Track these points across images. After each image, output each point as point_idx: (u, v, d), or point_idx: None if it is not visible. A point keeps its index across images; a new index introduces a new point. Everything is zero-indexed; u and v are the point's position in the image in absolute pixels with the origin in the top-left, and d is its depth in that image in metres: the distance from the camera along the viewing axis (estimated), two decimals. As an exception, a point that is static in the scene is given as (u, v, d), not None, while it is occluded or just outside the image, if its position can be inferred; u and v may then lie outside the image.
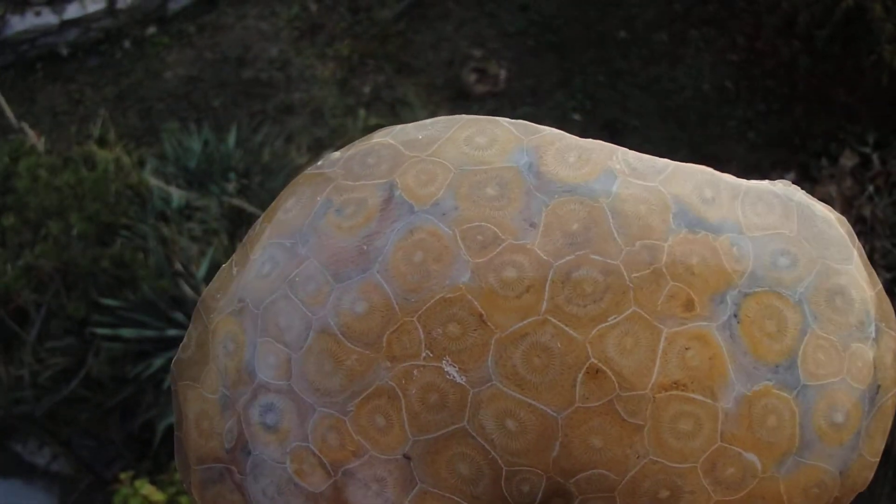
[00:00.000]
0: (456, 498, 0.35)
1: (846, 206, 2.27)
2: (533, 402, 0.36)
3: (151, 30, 3.01)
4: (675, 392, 0.36)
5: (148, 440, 2.04)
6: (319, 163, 0.42)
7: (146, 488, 1.73)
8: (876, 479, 1.76)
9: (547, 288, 0.37)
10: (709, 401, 0.36)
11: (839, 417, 0.38)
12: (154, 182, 2.19)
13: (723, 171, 0.41)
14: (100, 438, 2.17)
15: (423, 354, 0.36)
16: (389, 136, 0.42)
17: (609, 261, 0.38)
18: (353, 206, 0.40)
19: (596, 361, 0.36)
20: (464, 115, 0.42)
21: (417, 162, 0.40)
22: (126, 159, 2.24)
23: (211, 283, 0.41)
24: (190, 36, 3.01)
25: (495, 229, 0.38)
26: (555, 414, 0.36)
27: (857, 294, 0.40)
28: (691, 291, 0.38)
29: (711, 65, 2.79)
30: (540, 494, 0.35)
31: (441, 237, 0.38)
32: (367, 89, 2.80)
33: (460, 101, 2.69)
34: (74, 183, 2.17)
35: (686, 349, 0.37)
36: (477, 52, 2.85)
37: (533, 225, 0.38)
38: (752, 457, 0.37)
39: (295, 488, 0.37)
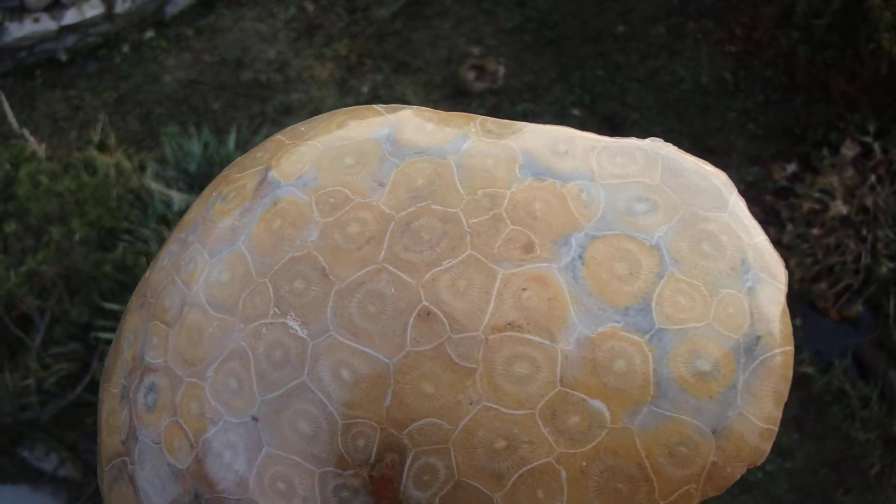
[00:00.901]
0: (297, 459, 0.34)
1: (848, 196, 2.27)
2: (366, 350, 0.35)
3: (149, 34, 3.01)
4: (509, 333, 0.34)
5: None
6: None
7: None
8: (882, 469, 1.75)
9: (387, 238, 0.37)
10: (547, 342, 0.34)
11: (705, 366, 0.35)
12: (155, 186, 2.19)
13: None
14: (106, 443, 2.17)
15: (272, 312, 0.37)
16: (279, 133, 0.44)
17: (449, 209, 0.38)
18: (235, 192, 0.41)
19: (427, 304, 0.35)
20: (347, 108, 0.44)
21: (293, 147, 0.41)
22: (126, 164, 2.24)
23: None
24: (188, 39, 3.01)
25: (347, 191, 0.39)
26: (387, 360, 0.35)
27: (729, 241, 0.38)
28: (532, 235, 0.36)
29: (710, 57, 2.78)
30: (375, 449, 0.34)
31: (298, 204, 0.39)
32: (365, 89, 2.80)
33: (459, 98, 2.69)
34: (75, 188, 2.18)
35: (523, 290, 0.35)
36: (475, 50, 2.85)
37: (382, 184, 0.39)
38: (598, 404, 0.34)
39: (168, 468, 0.37)
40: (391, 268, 0.36)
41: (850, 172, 2.30)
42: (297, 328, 0.36)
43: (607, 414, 0.34)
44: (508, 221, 0.37)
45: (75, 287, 2.16)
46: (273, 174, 0.40)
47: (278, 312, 0.36)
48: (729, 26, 2.84)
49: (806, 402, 2.13)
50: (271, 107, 2.79)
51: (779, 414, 0.36)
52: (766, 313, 0.36)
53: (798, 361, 2.18)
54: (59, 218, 2.18)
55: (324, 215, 0.38)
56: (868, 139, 2.36)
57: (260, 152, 0.42)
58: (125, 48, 2.99)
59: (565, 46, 2.85)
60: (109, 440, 0.39)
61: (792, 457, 2.08)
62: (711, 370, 0.35)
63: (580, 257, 0.36)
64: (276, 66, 2.90)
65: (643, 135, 0.46)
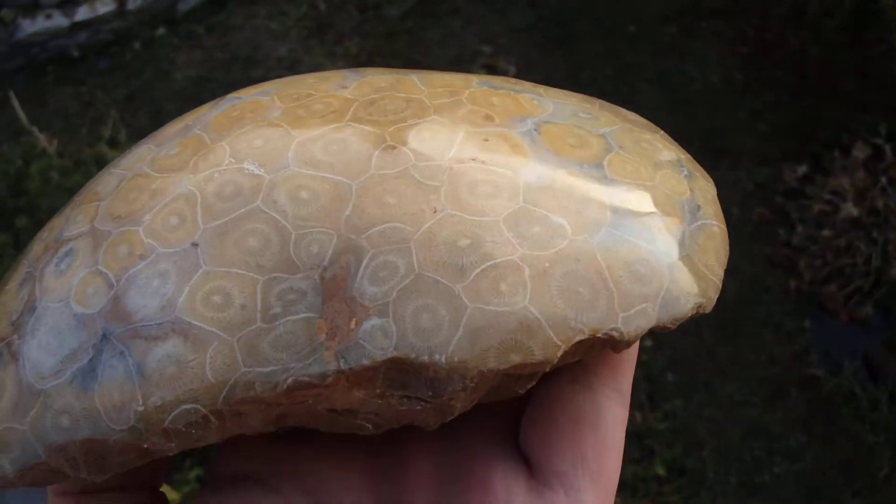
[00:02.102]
0: (239, 271, 0.33)
1: (859, 198, 2.27)
2: (327, 176, 0.35)
3: (161, 31, 3.02)
4: (473, 164, 0.36)
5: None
6: None
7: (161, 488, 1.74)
8: (892, 472, 1.74)
9: (350, 111, 0.38)
10: (509, 173, 0.36)
11: (654, 208, 0.37)
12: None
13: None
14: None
15: (227, 161, 0.36)
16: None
17: (412, 95, 0.39)
18: (195, 113, 0.40)
19: (392, 142, 0.36)
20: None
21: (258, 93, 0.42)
22: (137, 160, 2.25)
23: None
24: (199, 37, 3.01)
25: (311, 91, 0.39)
26: (349, 182, 0.35)
27: (664, 145, 0.40)
28: (491, 112, 0.38)
29: (720, 57, 2.78)
30: (330, 252, 0.33)
31: (260, 102, 0.39)
32: (376, 87, 2.80)
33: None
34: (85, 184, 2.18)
35: (485, 140, 0.37)
36: (486, 49, 2.85)
37: (344, 87, 0.39)
38: (559, 220, 0.35)
39: (72, 320, 0.33)
40: (355, 124, 0.37)
41: (860, 174, 2.30)
42: (254, 168, 0.35)
43: (568, 228, 0.35)
44: (468, 103, 0.38)
45: (85, 283, 2.17)
46: (232, 95, 0.40)
47: (234, 161, 0.35)
48: (740, 26, 2.84)
49: (815, 404, 2.13)
50: (282, 104, 2.79)
51: (721, 273, 0.38)
52: (703, 193, 0.39)
53: (807, 363, 2.18)
54: (69, 214, 2.18)
55: (285, 103, 0.38)
56: (879, 141, 2.36)
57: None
58: (136, 45, 2.99)
59: (576, 46, 2.85)
60: None
61: (800, 459, 2.08)
62: (660, 212, 0.37)
63: (536, 130, 0.38)
64: (287, 63, 2.90)
65: None
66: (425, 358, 0.32)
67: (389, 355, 0.32)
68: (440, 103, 0.38)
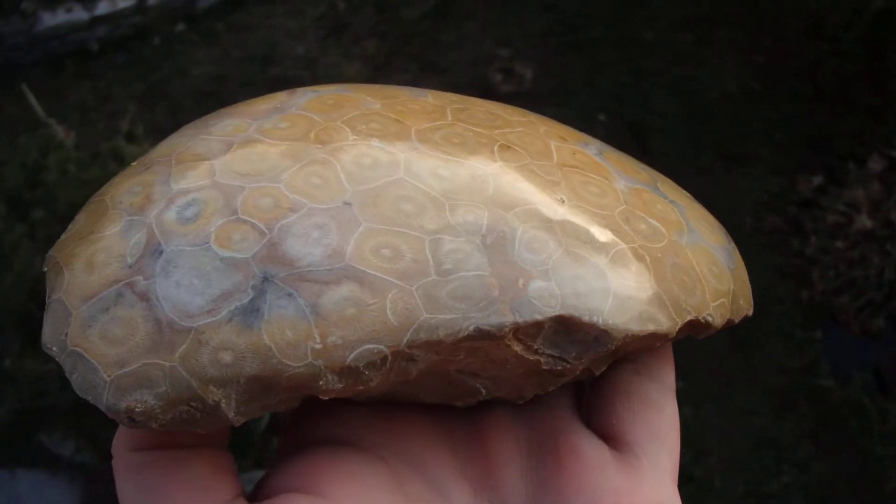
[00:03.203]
0: (402, 230, 0.35)
1: (874, 210, 2.26)
2: (460, 160, 0.38)
3: (180, 27, 3.03)
4: (574, 170, 0.40)
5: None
6: None
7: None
8: (889, 474, 1.73)
9: (448, 112, 0.41)
10: (605, 180, 0.41)
11: (707, 226, 0.43)
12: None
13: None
14: (124, 432, 2.19)
15: (352, 138, 0.38)
16: None
17: (490, 109, 0.43)
18: (273, 99, 0.43)
19: (504, 142, 0.40)
20: None
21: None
22: (153, 155, 2.25)
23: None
24: (218, 34, 3.02)
25: (394, 94, 0.43)
26: (482, 167, 0.38)
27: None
28: (562, 133, 0.44)
29: (737, 65, 2.78)
30: (485, 222, 0.37)
31: (350, 98, 0.41)
32: (393, 88, 2.80)
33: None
34: (103, 178, 2.19)
35: (573, 154, 0.41)
36: (503, 52, 2.86)
37: (423, 96, 0.43)
38: (654, 222, 0.40)
39: (220, 262, 0.34)
40: (462, 124, 0.40)
41: (875, 186, 2.30)
42: (384, 146, 0.37)
43: (662, 228, 0.40)
44: (540, 124, 0.44)
45: (99, 276, 2.18)
46: (305, 89, 0.43)
47: (358, 139, 0.37)
48: (756, 35, 2.84)
49: (824, 415, 2.12)
50: (298, 103, 2.80)
51: (751, 302, 0.45)
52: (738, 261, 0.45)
53: (817, 374, 2.17)
54: (85, 207, 2.19)
55: (378, 99, 0.41)
56: (895, 153, 2.35)
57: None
58: (156, 40, 3.00)
59: (592, 51, 2.85)
60: (94, 277, 0.35)
61: (808, 469, 2.08)
62: (712, 232, 0.43)
63: (600, 153, 0.43)
64: (304, 63, 2.91)
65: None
66: (586, 318, 0.36)
67: (557, 312, 0.36)
68: (517, 119, 0.43)
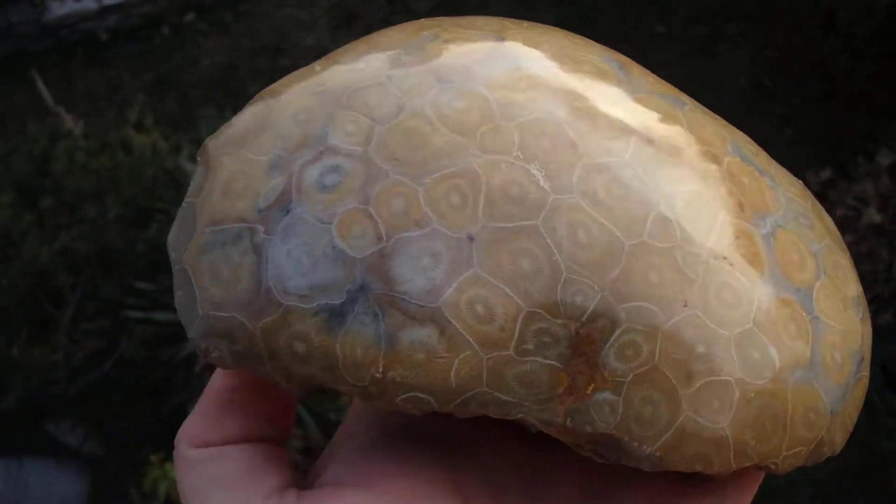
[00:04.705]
0: (507, 289, 0.34)
1: (882, 205, 2.26)
2: (606, 223, 0.36)
3: (190, 16, 3.03)
4: (723, 263, 0.37)
5: (179, 423, 2.06)
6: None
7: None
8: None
9: (634, 137, 0.39)
10: (748, 284, 0.37)
11: (839, 358, 0.39)
12: (190, 167, 2.21)
13: None
14: (131, 420, 2.19)
15: (515, 154, 0.36)
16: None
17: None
18: (464, 41, 0.40)
19: (664, 209, 0.37)
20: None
21: (519, 30, 0.42)
22: (163, 144, 2.26)
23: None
24: (228, 24, 3.02)
25: (581, 55, 0.42)
26: (623, 240, 0.36)
27: (850, 275, 0.42)
28: (742, 198, 0.39)
29: (749, 60, 2.77)
30: (590, 310, 0.35)
31: (543, 79, 0.39)
32: (402, 79, 2.81)
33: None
34: (111, 167, 2.19)
35: (736, 237, 0.38)
36: (513, 44, 2.85)
37: (621, 81, 0.43)
38: (773, 352, 0.37)
39: (331, 251, 0.34)
40: (638, 166, 0.38)
41: (885, 181, 2.29)
42: (541, 178, 0.36)
43: (777, 363, 0.37)
44: (727, 180, 0.40)
45: (108, 264, 2.18)
46: (508, 45, 0.40)
47: (521, 157, 0.36)
48: (769, 31, 2.83)
49: (831, 410, 2.12)
50: (308, 94, 2.80)
51: (853, 424, 0.41)
52: (867, 339, 0.41)
53: (825, 369, 2.17)
54: (94, 195, 2.20)
55: (570, 99, 0.38)
56: (905, 149, 2.35)
57: (478, 21, 0.43)
58: (165, 30, 3.01)
59: (604, 44, 2.85)
60: (228, 203, 0.35)
61: (815, 465, 2.07)
62: (841, 363, 0.39)
63: (772, 234, 0.39)
64: (314, 53, 2.91)
65: None
66: (635, 445, 0.35)
67: (609, 431, 0.35)
68: (706, 168, 0.40)
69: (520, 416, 0.35)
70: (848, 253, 0.44)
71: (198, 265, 0.35)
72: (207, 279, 0.35)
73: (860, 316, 0.41)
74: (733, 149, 0.41)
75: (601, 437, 0.35)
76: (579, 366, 0.35)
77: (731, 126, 0.45)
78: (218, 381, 0.38)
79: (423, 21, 0.42)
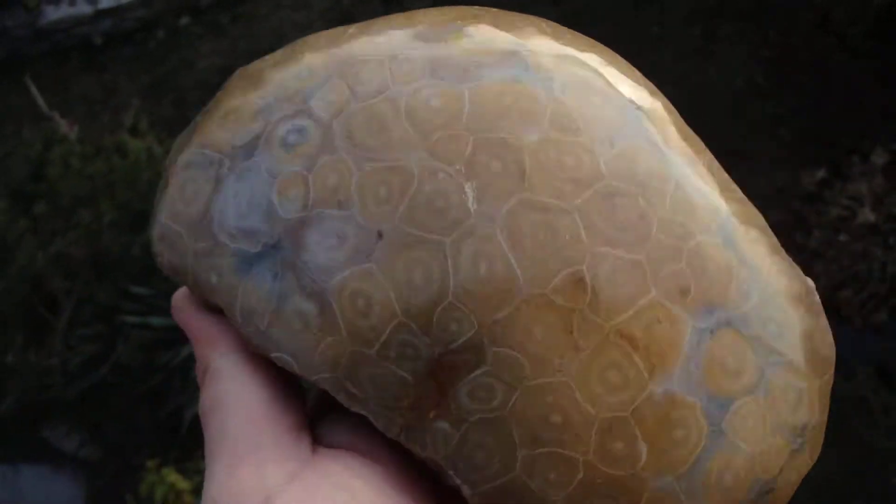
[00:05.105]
0: (391, 295, 0.35)
1: (877, 204, 2.26)
2: (513, 264, 0.36)
3: (185, 20, 3.03)
4: (624, 343, 0.36)
5: (175, 427, 2.06)
6: None
7: (172, 476, 1.74)
8: (893, 468, 1.72)
9: (590, 192, 0.37)
10: (645, 375, 0.36)
11: (728, 480, 0.37)
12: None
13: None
14: (128, 425, 2.19)
15: (458, 167, 0.36)
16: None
17: (648, 210, 0.38)
18: (484, 40, 0.41)
19: (585, 272, 0.36)
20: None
21: (541, 32, 0.44)
22: (158, 149, 2.26)
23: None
24: (223, 26, 3.02)
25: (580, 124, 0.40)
26: (524, 286, 0.35)
27: (810, 403, 0.40)
28: (693, 284, 0.37)
29: (744, 60, 2.77)
30: (461, 341, 0.35)
31: (536, 98, 0.39)
32: (397, 81, 2.81)
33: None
34: (106, 171, 2.19)
35: (658, 321, 0.36)
36: (508, 46, 2.85)
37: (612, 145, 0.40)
38: (643, 448, 0.36)
39: (266, 204, 0.37)
40: (579, 218, 0.37)
41: (879, 181, 2.29)
42: (471, 198, 0.36)
43: (643, 460, 0.36)
44: (688, 261, 0.38)
45: (103, 269, 2.18)
46: (526, 54, 0.40)
47: (462, 172, 0.36)
48: (764, 30, 2.83)
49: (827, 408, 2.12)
50: (303, 96, 2.80)
51: None
52: (791, 473, 0.40)
53: (821, 368, 2.17)
54: (89, 200, 2.19)
55: (550, 128, 0.38)
56: (899, 148, 2.35)
57: (518, 20, 0.44)
58: (161, 33, 3.00)
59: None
60: (218, 132, 0.38)
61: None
62: (729, 488, 0.38)
63: (713, 331, 0.37)
64: (309, 56, 2.91)
65: None
66: (458, 482, 0.36)
67: (437, 459, 0.36)
68: (662, 242, 0.38)
69: (363, 412, 0.36)
70: (822, 379, 0.41)
71: (176, 176, 0.39)
72: (176, 192, 0.39)
73: (794, 447, 0.40)
74: (719, 228, 0.39)
75: (429, 461, 0.36)
76: (429, 388, 0.36)
77: (747, 202, 0.42)
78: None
79: (470, 9, 0.43)
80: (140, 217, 2.17)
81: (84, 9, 2.89)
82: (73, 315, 2.20)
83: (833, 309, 2.21)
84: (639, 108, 0.42)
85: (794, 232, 2.33)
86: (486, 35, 0.41)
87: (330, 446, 0.38)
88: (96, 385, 2.18)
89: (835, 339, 0.42)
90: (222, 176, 0.38)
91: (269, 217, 0.36)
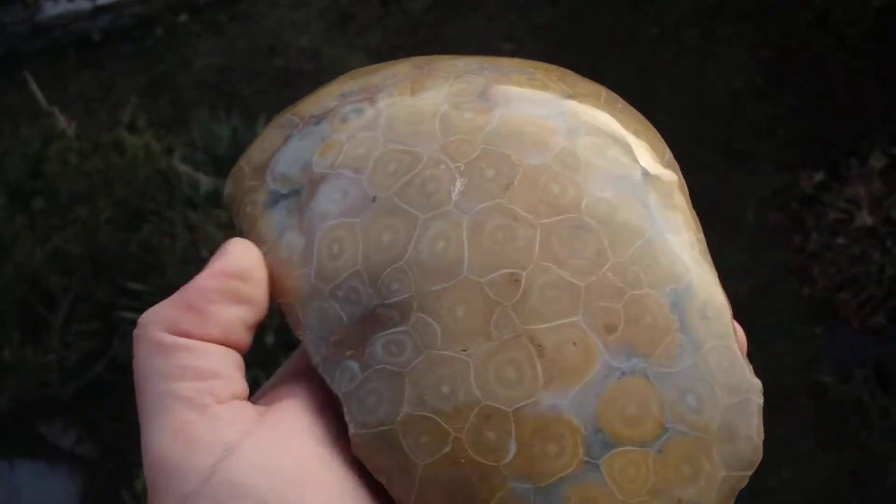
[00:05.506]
0: (360, 247, 0.41)
1: (875, 207, 2.26)
2: (466, 250, 0.40)
3: (183, 17, 3.03)
4: (531, 347, 0.39)
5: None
6: None
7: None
8: (889, 470, 1.72)
9: (539, 236, 0.41)
10: (541, 382, 0.39)
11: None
12: (183, 169, 2.20)
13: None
14: (125, 422, 2.19)
15: (458, 164, 0.41)
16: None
17: (596, 249, 0.41)
18: (541, 79, 0.49)
19: (523, 275, 0.40)
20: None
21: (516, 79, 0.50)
22: (155, 146, 2.25)
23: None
24: (221, 24, 3.02)
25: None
26: (466, 272, 0.40)
27: (706, 487, 0.40)
28: (622, 326, 0.40)
29: (743, 60, 2.77)
30: (395, 299, 0.40)
31: (555, 134, 0.44)
32: (396, 80, 2.80)
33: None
34: (104, 168, 2.19)
35: (572, 343, 0.39)
36: (507, 46, 2.85)
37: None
38: (513, 446, 0.38)
39: (307, 160, 0.44)
40: (539, 233, 0.41)
41: (877, 184, 2.29)
42: (457, 189, 0.41)
43: (509, 457, 0.39)
44: (624, 309, 0.40)
45: (100, 266, 2.18)
46: (569, 103, 0.46)
47: (461, 168, 0.41)
48: (763, 30, 2.83)
49: (824, 411, 2.12)
50: (301, 95, 2.79)
51: None
52: None
53: (817, 370, 2.17)
54: (86, 197, 2.19)
55: (555, 161, 0.43)
56: (897, 150, 2.35)
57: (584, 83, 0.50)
58: (159, 31, 3.00)
59: (597, 46, 2.85)
60: (307, 104, 0.45)
61: (808, 465, 2.08)
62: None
63: (622, 374, 0.39)
64: (308, 54, 2.91)
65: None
66: (348, 419, 0.40)
67: (338, 393, 0.40)
68: (611, 284, 0.40)
69: (301, 337, 0.41)
70: (732, 475, 0.41)
71: (267, 132, 0.46)
72: (258, 142, 0.46)
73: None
74: (673, 292, 0.40)
75: (334, 395, 0.40)
76: (356, 332, 0.40)
77: (720, 290, 0.43)
78: (206, 280, 0.42)
79: (549, 65, 0.53)
80: (137, 214, 2.17)
81: (83, 4, 2.89)
82: (70, 312, 2.20)
83: (831, 311, 2.21)
84: (648, 174, 0.44)
85: (792, 234, 2.33)
86: (546, 80, 0.48)
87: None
88: (93, 382, 2.18)
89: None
90: (292, 135, 0.45)
91: (304, 169, 0.43)
